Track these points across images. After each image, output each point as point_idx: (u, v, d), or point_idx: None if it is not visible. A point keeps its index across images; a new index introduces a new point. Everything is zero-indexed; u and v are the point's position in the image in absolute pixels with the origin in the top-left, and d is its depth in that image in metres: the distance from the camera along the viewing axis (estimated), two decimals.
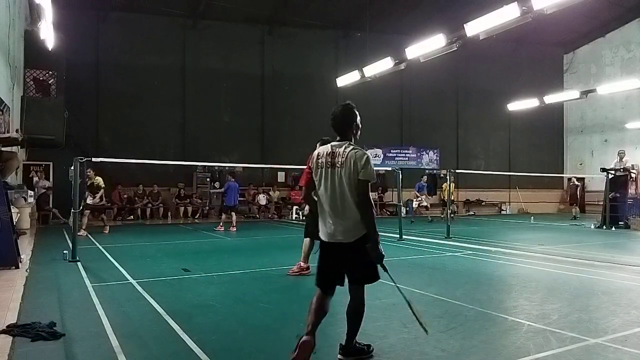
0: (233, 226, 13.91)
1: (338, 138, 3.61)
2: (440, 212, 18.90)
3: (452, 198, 19.02)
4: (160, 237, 12.77)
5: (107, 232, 12.80)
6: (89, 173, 12.41)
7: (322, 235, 3.59)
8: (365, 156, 3.44)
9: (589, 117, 24.97)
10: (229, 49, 20.23)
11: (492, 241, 11.08)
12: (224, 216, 14.24)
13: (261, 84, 20.80)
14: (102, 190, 13.02)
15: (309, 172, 3.77)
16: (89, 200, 12.46)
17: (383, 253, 3.41)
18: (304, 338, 3.36)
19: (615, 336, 4.13)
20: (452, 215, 18.26)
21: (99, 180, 12.91)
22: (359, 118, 3.71)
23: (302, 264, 6.95)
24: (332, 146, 3.58)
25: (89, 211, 12.68)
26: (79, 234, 11.03)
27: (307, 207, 7.07)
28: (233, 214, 14.18)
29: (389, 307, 5.15)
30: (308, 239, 6.90)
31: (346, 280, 3.60)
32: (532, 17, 10.45)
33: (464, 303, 5.26)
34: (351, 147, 3.51)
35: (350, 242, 3.44)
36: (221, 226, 13.90)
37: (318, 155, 3.61)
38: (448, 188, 18.61)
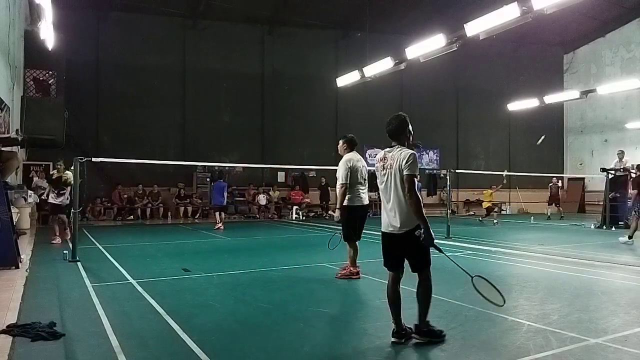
0: (218, 225, 13.96)
1: (393, 143, 4.09)
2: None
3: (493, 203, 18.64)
4: (160, 237, 12.76)
5: (57, 242, 10.19)
6: (58, 165, 10.27)
7: (382, 226, 4.09)
8: (410, 154, 3.90)
9: (589, 117, 24.96)
10: (229, 49, 20.23)
11: (492, 241, 11.08)
12: (216, 215, 14.30)
13: (261, 84, 20.80)
14: (69, 188, 10.06)
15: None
16: (52, 199, 10.33)
17: (433, 237, 3.84)
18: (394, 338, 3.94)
19: (615, 336, 4.13)
20: (495, 221, 17.64)
21: (69, 175, 9.94)
22: (410, 126, 4.15)
23: (351, 268, 6.74)
24: (384, 152, 4.12)
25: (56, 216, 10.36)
26: (52, 242, 10.16)
27: (337, 213, 6.81)
28: (217, 213, 14.28)
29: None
30: (352, 242, 6.82)
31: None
32: (532, 17, 10.45)
33: (464, 303, 5.26)
34: (399, 149, 4.01)
35: (400, 233, 3.94)
36: (218, 224, 13.97)
37: (377, 160, 4.17)
38: (491, 193, 18.27)
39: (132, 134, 18.51)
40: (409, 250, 3.94)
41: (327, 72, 20.64)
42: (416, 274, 4.04)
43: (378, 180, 4.12)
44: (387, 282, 4.10)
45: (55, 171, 10.50)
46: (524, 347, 3.86)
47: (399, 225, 3.92)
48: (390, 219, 3.99)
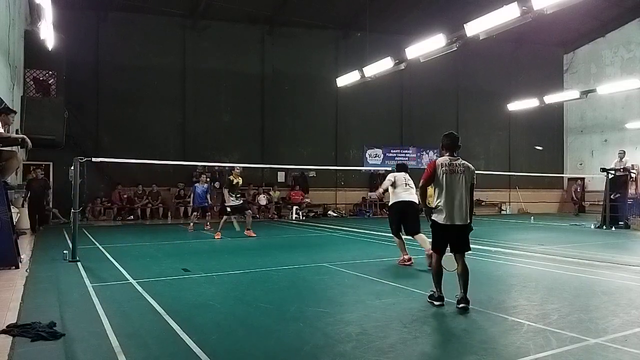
0: (192, 227, 13.83)
1: (449, 153, 5.33)
2: None
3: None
4: (160, 237, 12.76)
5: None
6: (238, 171, 12.35)
7: (444, 220, 5.10)
8: (473, 167, 5.34)
9: (589, 117, 24.96)
10: (229, 49, 20.23)
11: (492, 241, 11.07)
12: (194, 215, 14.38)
13: (261, 84, 20.79)
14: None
15: (430, 173, 5.23)
16: (233, 202, 12.11)
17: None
18: (442, 303, 5.12)
19: (615, 336, 4.13)
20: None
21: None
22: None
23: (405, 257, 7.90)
24: (450, 159, 5.26)
25: None
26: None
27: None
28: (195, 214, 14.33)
29: (389, 307, 5.16)
30: (397, 237, 8.05)
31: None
32: (532, 17, 10.44)
33: None
34: (462, 160, 5.30)
35: (464, 224, 5.14)
36: (192, 225, 13.86)
37: (441, 164, 5.21)
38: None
39: (132, 134, 18.50)
40: (464, 238, 5.17)
41: (327, 72, 20.64)
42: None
43: (443, 180, 5.14)
44: (433, 265, 5.34)
45: (233, 177, 12.17)
46: (524, 347, 3.85)
47: (465, 218, 5.12)
48: (462, 213, 5.11)
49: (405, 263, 7.82)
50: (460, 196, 5.12)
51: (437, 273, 5.23)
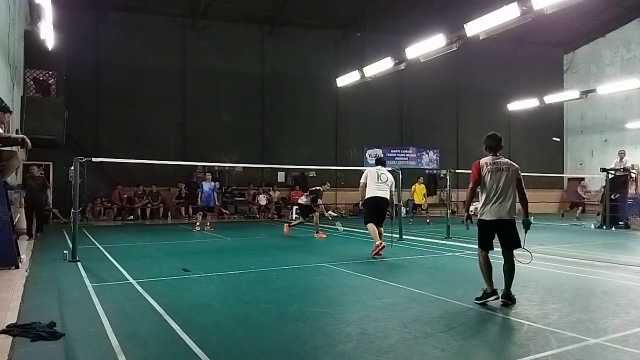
0: (197, 227, 13.95)
1: (492, 153, 5.47)
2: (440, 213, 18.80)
3: (423, 202, 17.89)
4: (160, 237, 12.76)
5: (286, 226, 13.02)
6: (327, 186, 13.85)
7: (490, 216, 5.31)
8: (517, 166, 5.49)
9: (589, 117, 24.96)
10: (229, 49, 20.24)
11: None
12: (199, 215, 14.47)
13: (261, 83, 20.80)
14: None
15: (477, 174, 5.41)
16: (302, 201, 13.27)
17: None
18: (496, 296, 5.23)
19: (615, 336, 4.14)
20: (410, 220, 17.44)
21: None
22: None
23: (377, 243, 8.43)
24: (493, 158, 5.43)
25: None
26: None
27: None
28: (199, 214, 14.47)
29: (389, 307, 5.16)
30: (370, 224, 8.57)
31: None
32: (532, 17, 10.43)
33: (464, 303, 5.26)
34: (505, 158, 5.48)
35: (510, 219, 5.31)
36: (197, 225, 14.00)
37: (486, 164, 5.39)
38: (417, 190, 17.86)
39: (132, 134, 18.51)
40: (512, 233, 5.33)
41: (327, 72, 20.65)
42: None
43: (487, 178, 5.32)
44: (480, 262, 5.49)
45: (321, 188, 13.25)
46: (524, 347, 3.86)
47: (510, 213, 5.28)
48: (507, 209, 5.28)
49: (378, 250, 8.39)
50: (506, 193, 5.28)
51: (487, 270, 5.38)
